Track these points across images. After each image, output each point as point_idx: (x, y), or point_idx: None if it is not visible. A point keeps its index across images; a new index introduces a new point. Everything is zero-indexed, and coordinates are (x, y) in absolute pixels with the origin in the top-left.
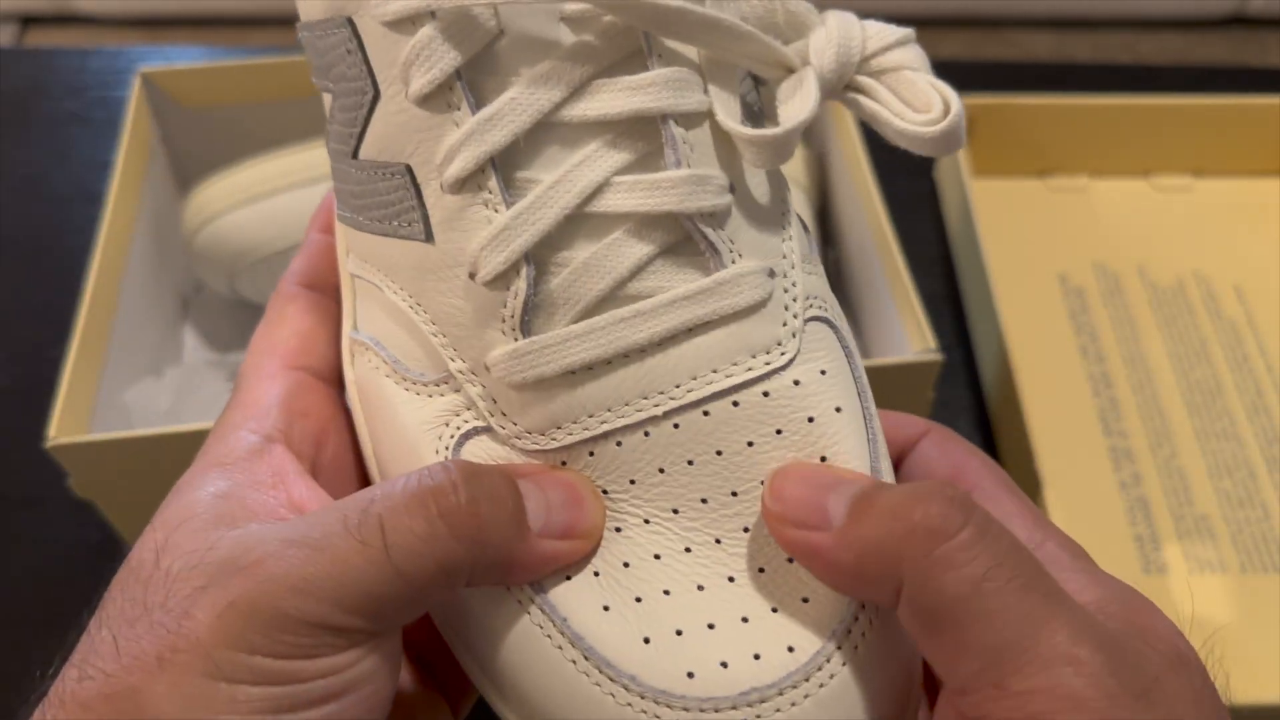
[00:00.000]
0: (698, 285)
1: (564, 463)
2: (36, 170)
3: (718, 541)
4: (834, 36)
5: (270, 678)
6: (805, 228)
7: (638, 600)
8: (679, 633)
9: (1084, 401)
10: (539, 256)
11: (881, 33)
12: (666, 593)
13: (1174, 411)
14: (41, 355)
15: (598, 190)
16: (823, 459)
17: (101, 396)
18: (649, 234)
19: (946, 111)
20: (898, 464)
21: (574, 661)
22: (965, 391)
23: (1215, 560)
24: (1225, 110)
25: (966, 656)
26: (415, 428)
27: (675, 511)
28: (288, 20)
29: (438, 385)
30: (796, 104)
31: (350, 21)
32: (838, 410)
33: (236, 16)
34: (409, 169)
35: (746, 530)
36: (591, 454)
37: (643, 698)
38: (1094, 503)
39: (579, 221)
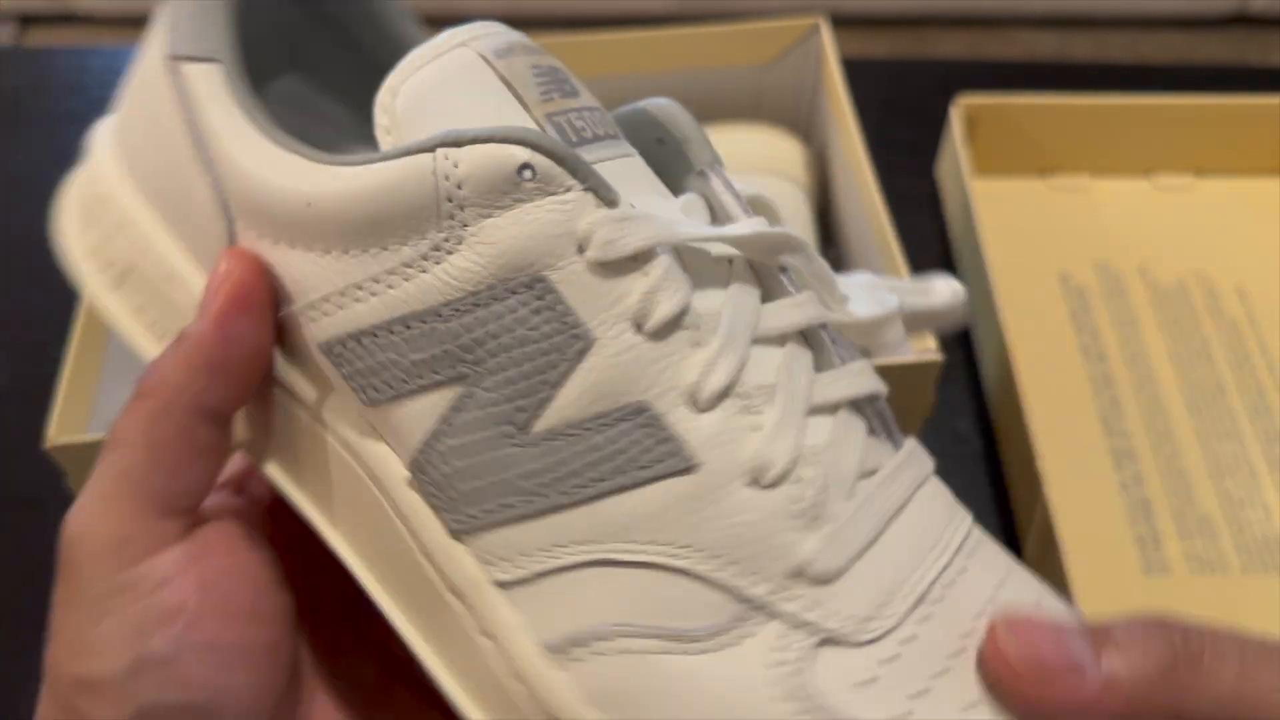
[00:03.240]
0: (904, 452)
1: (913, 636)
2: (36, 170)
3: None
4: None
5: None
6: None
7: None
8: None
9: (1085, 401)
10: None
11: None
12: None
13: (1175, 411)
14: (41, 356)
15: (812, 383)
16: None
17: (101, 397)
18: (859, 414)
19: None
20: None
21: None
22: (965, 391)
23: (1216, 560)
24: (1227, 110)
25: None
26: (740, 689)
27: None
28: None
29: (729, 631)
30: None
31: (542, 278)
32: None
33: None
34: (643, 405)
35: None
36: (915, 636)
37: None
38: (1095, 503)
39: (814, 411)
